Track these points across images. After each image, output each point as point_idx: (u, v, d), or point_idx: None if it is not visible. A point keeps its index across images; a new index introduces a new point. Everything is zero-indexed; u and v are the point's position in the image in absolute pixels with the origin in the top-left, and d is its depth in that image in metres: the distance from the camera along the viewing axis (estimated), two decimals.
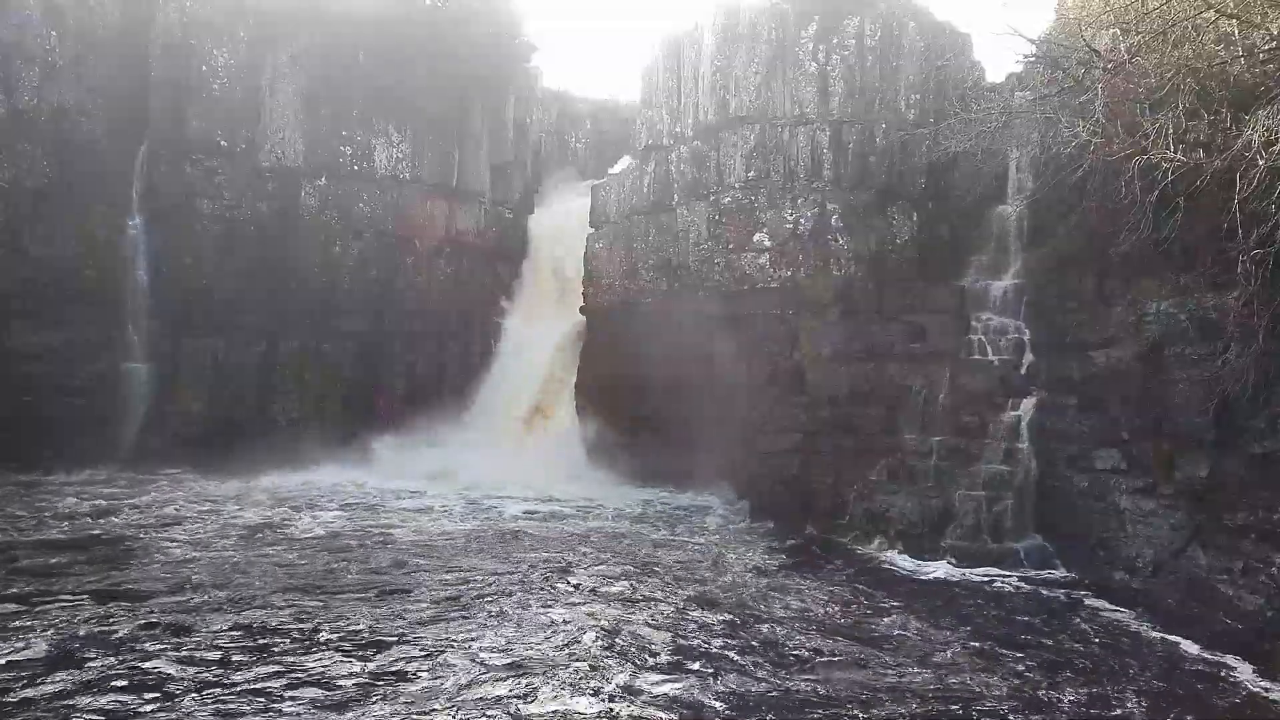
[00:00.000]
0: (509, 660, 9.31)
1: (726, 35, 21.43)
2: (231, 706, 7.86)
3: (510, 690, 8.47)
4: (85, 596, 11.23)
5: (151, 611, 10.63)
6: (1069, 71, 15.28)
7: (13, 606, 10.69)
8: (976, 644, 10.45)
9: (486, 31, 28.33)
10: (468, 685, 8.54)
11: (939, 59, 20.66)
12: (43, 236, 23.12)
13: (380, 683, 8.59)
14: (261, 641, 9.65)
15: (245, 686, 8.33)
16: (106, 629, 9.89)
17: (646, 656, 9.60)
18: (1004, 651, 10.19)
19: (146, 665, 8.81)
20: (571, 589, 12.48)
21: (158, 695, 8.06)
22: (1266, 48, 11.66)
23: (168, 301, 24.70)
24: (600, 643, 10.01)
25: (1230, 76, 11.97)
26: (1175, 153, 11.46)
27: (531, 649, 9.69)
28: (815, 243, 20.21)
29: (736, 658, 9.66)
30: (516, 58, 30.31)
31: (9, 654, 8.96)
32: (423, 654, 9.43)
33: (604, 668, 9.19)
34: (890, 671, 9.41)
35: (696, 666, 9.32)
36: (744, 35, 21.13)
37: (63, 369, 23.27)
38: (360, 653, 9.40)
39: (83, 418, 23.27)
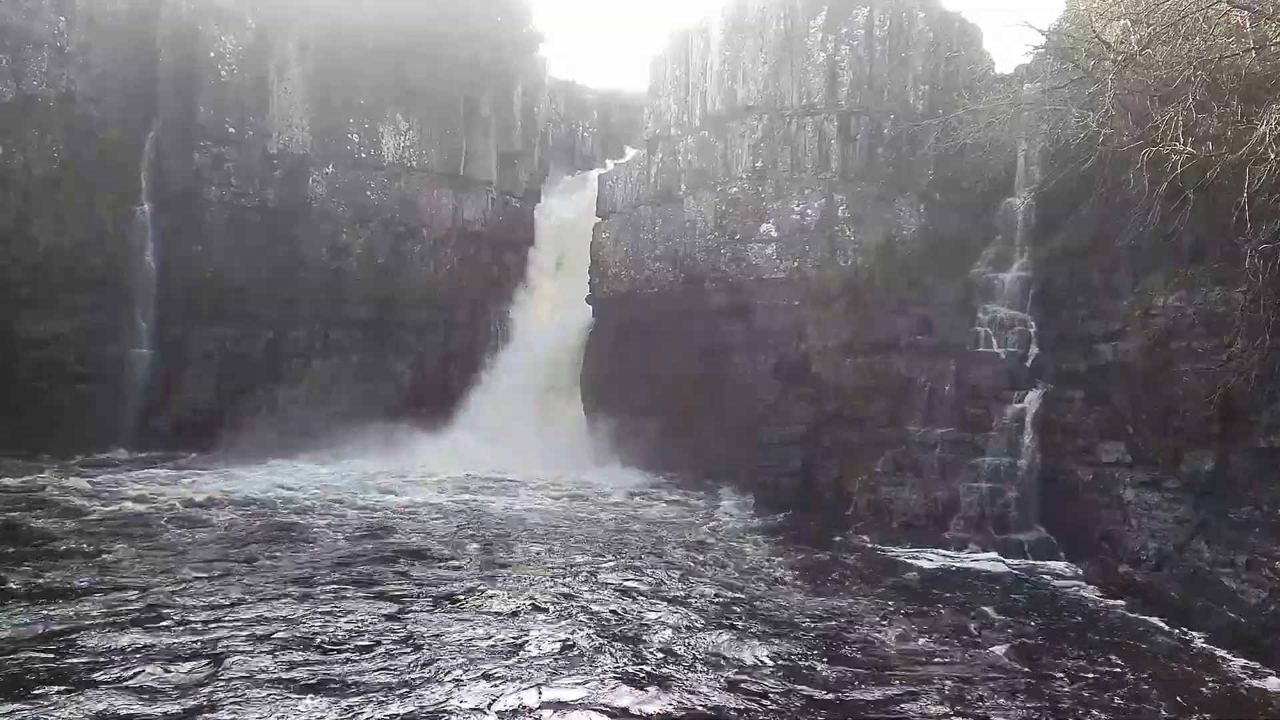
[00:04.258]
0: (507, 651, 9.33)
1: (735, 25, 21.37)
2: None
3: (507, 678, 8.50)
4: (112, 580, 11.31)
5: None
6: (1079, 63, 15.21)
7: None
8: (979, 636, 10.46)
9: (495, 21, 28.32)
10: (461, 674, 8.54)
11: (948, 50, 20.59)
12: (51, 223, 23.19)
13: (371, 668, 8.63)
14: (256, 632, 9.71)
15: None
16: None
17: (645, 648, 9.61)
18: (1006, 643, 10.20)
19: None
20: (574, 578, 12.51)
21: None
22: (1278, 40, 11.60)
23: (175, 289, 24.78)
24: (600, 632, 10.03)
25: (1241, 69, 11.92)
26: (1185, 145, 11.42)
27: (530, 639, 9.71)
28: (822, 234, 20.18)
29: (738, 651, 9.66)
30: (524, 47, 30.30)
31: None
32: (417, 640, 9.47)
33: (603, 658, 9.20)
34: (894, 666, 9.42)
35: (697, 660, 9.32)
36: (752, 25, 21.07)
37: (71, 355, 23.38)
38: (355, 640, 9.46)
39: (90, 404, 23.38)
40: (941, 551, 14.91)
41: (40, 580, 11.11)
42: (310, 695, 7.83)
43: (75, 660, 8.42)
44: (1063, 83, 15.78)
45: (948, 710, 8.23)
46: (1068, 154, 15.32)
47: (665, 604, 11.32)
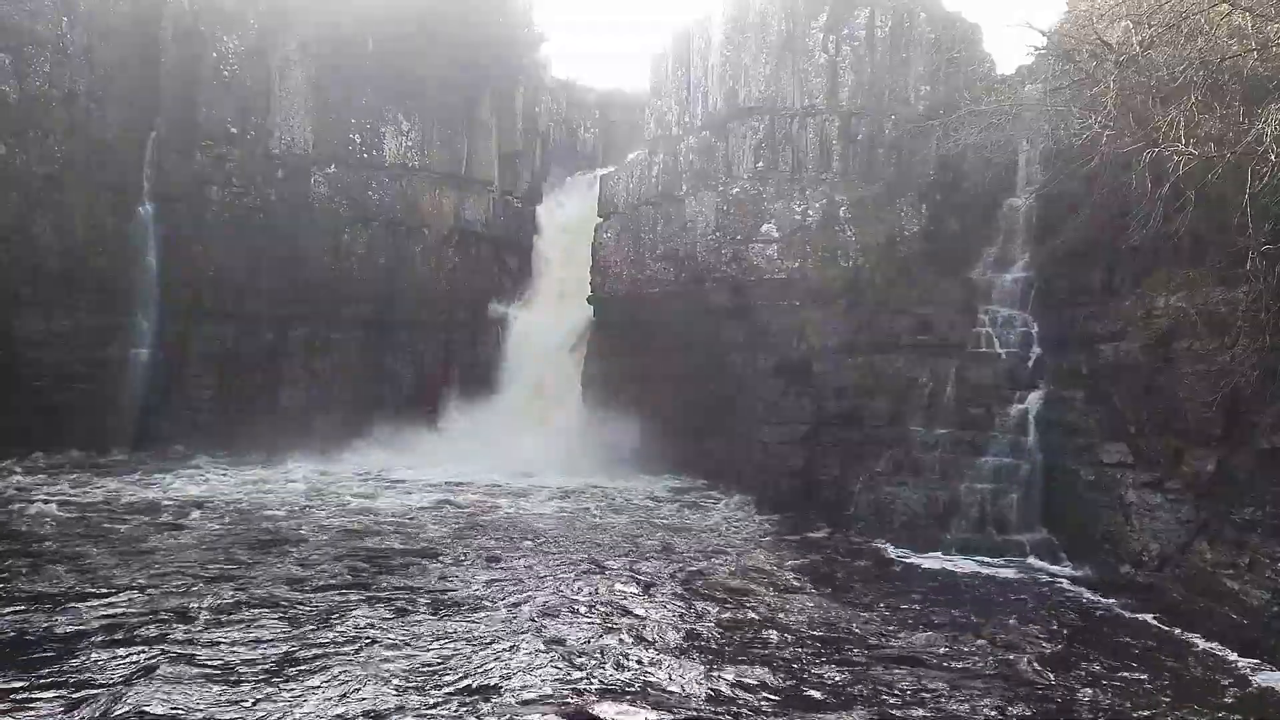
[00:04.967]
0: (510, 645, 9.33)
1: (736, 25, 21.38)
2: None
3: (512, 674, 8.50)
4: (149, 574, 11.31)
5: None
6: (1080, 64, 15.22)
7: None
8: (980, 638, 10.45)
9: (496, 21, 28.32)
10: (458, 678, 8.52)
11: (949, 50, 20.58)
12: (53, 223, 23.17)
13: (360, 673, 8.62)
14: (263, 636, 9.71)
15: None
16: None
17: (646, 646, 9.60)
18: (1008, 645, 10.19)
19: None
20: (573, 577, 12.51)
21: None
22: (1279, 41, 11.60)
23: (176, 288, 24.77)
24: (600, 631, 10.01)
25: (1243, 70, 11.93)
26: (1186, 146, 11.42)
27: (533, 636, 9.70)
28: (823, 234, 20.18)
29: (739, 655, 9.65)
30: (526, 48, 30.31)
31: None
32: (412, 644, 9.46)
33: (603, 656, 9.17)
34: (895, 668, 9.41)
35: (697, 658, 9.32)
36: (753, 25, 21.07)
37: (71, 355, 23.35)
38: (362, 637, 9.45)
39: (90, 404, 23.37)
40: (942, 552, 14.90)
41: (20, 584, 11.02)
42: (295, 704, 7.82)
43: (57, 667, 8.42)
44: (1064, 83, 15.78)
45: (949, 713, 8.23)
46: (1069, 155, 15.33)
47: (665, 606, 11.32)
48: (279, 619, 9.94)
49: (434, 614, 10.43)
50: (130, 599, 10.54)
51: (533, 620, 10.35)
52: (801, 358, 19.43)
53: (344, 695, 7.86)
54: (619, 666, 8.91)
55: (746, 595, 11.95)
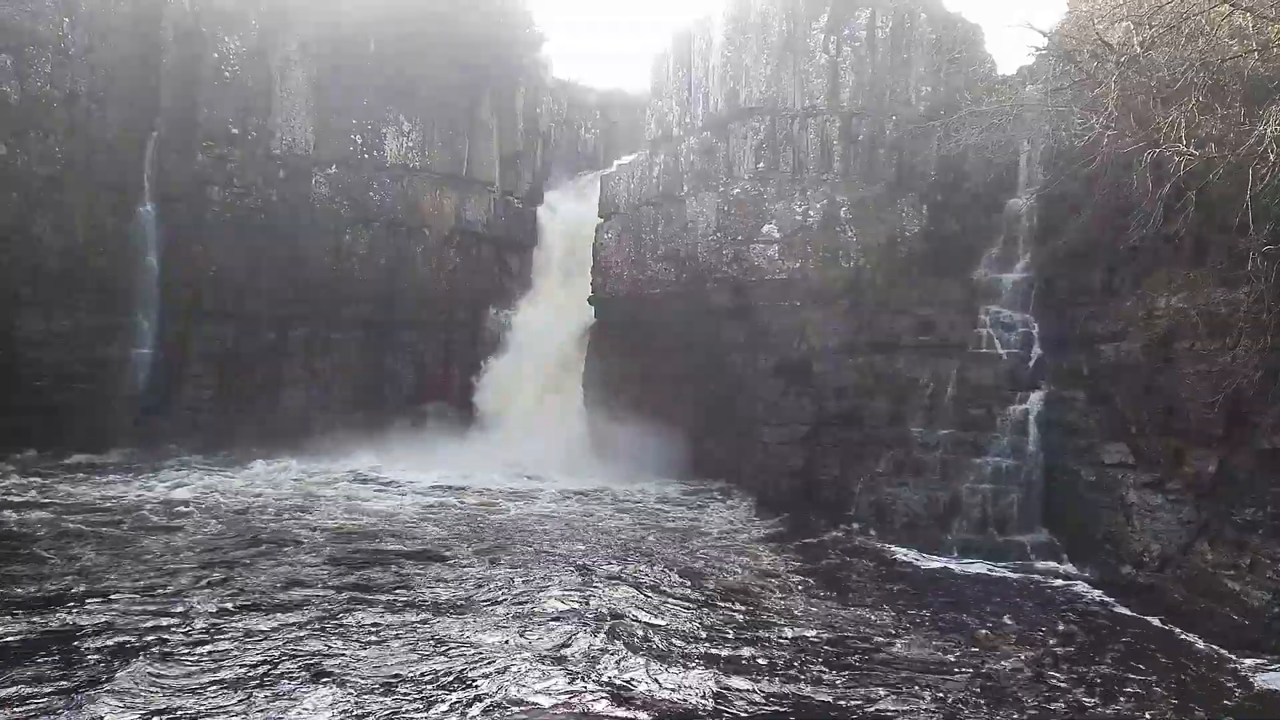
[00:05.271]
0: (507, 648, 9.32)
1: (737, 26, 21.36)
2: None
3: (510, 677, 8.49)
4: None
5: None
6: (1081, 65, 15.22)
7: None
8: (981, 639, 10.45)
9: (496, 21, 28.31)
10: (456, 678, 8.52)
11: (950, 51, 20.55)
12: (53, 223, 23.13)
13: (354, 676, 8.61)
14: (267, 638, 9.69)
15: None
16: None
17: (646, 649, 9.60)
18: (1009, 646, 10.20)
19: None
20: (573, 579, 12.49)
21: None
22: None
23: (177, 288, 24.75)
24: (600, 634, 10.00)
25: (1244, 71, 11.93)
26: (1187, 147, 11.43)
27: (531, 638, 9.70)
28: (824, 235, 20.15)
29: (740, 653, 9.65)
30: (526, 48, 30.29)
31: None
32: (408, 646, 9.45)
33: (603, 659, 9.17)
34: (896, 670, 9.41)
35: (697, 661, 9.31)
36: (754, 26, 21.05)
37: (72, 355, 23.34)
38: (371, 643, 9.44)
39: (90, 404, 23.35)
40: (944, 553, 14.90)
41: (16, 586, 10.97)
42: (292, 706, 7.79)
43: (53, 669, 8.40)
44: (1065, 84, 15.78)
45: (951, 714, 8.23)
46: (1070, 155, 15.33)
47: (665, 608, 11.31)
48: (277, 621, 9.94)
49: (433, 616, 10.42)
50: (127, 600, 10.52)
51: (532, 621, 10.35)
52: (802, 358, 19.42)
53: (341, 697, 7.86)
54: (619, 668, 8.91)
55: (748, 597, 11.94)
